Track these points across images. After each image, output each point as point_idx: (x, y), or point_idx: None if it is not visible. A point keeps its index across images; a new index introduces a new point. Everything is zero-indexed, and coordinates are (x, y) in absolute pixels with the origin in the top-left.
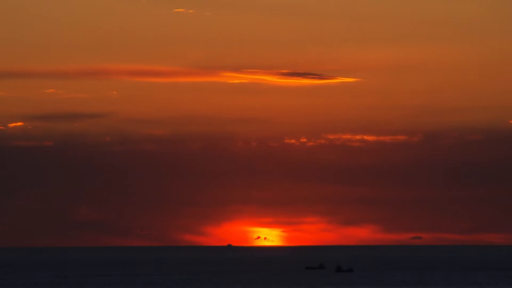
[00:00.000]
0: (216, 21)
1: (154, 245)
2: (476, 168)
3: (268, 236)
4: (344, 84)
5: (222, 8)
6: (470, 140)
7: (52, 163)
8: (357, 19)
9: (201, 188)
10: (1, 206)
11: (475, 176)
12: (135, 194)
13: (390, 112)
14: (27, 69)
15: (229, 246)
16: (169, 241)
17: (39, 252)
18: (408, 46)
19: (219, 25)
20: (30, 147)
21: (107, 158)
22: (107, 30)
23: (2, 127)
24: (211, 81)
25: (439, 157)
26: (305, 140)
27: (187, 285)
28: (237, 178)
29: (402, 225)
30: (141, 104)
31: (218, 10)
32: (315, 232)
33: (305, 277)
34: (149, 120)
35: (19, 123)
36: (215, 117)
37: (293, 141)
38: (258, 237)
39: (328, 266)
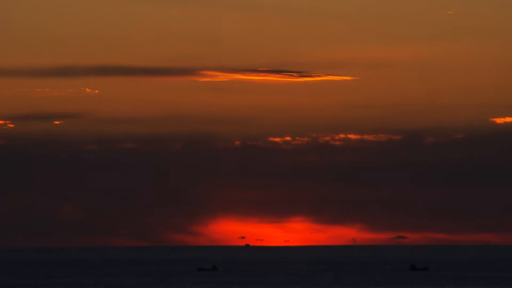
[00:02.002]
0: (197, 19)
1: (146, 245)
2: (458, 166)
3: (253, 236)
4: (328, 82)
5: (204, 5)
6: (452, 139)
7: (27, 164)
8: (342, 17)
9: (184, 188)
10: None
11: (456, 174)
12: (116, 194)
13: (372, 110)
14: None
15: (247, 245)
16: (157, 240)
17: (20, 252)
18: (391, 45)
19: (199, 22)
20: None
21: (85, 158)
22: (83, 26)
23: None
24: (190, 80)
25: (421, 156)
26: (289, 138)
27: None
28: (222, 177)
29: (388, 224)
30: (119, 103)
31: (199, 7)
32: (303, 231)
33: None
34: (129, 120)
35: None
36: (196, 116)
37: (277, 139)
38: (243, 237)
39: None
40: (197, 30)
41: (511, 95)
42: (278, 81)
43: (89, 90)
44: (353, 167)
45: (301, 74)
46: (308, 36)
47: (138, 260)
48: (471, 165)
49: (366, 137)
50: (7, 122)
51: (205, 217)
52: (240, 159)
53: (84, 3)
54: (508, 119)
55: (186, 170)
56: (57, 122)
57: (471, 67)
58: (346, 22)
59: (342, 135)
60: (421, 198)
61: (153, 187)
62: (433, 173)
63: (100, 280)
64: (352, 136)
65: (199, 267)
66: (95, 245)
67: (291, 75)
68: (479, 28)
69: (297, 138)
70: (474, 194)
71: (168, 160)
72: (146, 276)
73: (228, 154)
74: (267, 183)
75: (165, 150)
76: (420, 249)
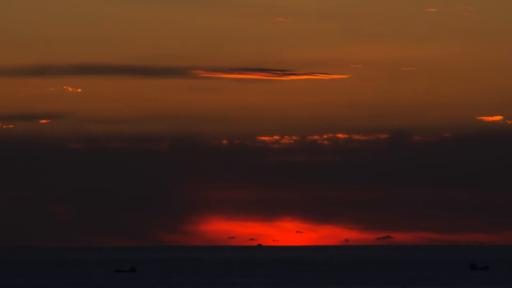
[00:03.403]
0: (183, 18)
1: (140, 245)
2: (445, 165)
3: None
4: (316, 81)
5: (191, 4)
6: (440, 138)
7: (14, 164)
8: (331, 16)
9: (171, 188)
10: None
11: (443, 173)
12: (104, 194)
13: (360, 110)
14: None
15: (259, 245)
16: (149, 240)
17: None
18: (380, 44)
19: (186, 21)
20: None
21: (71, 158)
22: (70, 24)
23: None
24: (176, 79)
25: (408, 155)
26: (277, 137)
27: None
28: (209, 177)
29: (377, 224)
30: (103, 102)
31: (187, 6)
32: (293, 231)
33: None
34: (115, 119)
35: None
36: (182, 116)
37: (265, 138)
38: (230, 237)
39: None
40: (184, 29)
41: (498, 94)
42: (265, 80)
43: (72, 89)
44: (341, 166)
45: (288, 72)
46: (296, 35)
47: (57, 262)
48: (459, 164)
49: (354, 136)
50: None
51: (192, 217)
52: (227, 158)
53: (67, 2)
54: (496, 118)
55: (173, 170)
56: (43, 121)
57: (459, 67)
58: (335, 21)
59: (330, 135)
60: (410, 197)
61: (139, 187)
62: (421, 172)
63: None
64: (340, 135)
65: (117, 268)
66: (81, 246)
67: (279, 73)
68: (466, 29)
69: (285, 137)
70: (461, 193)
71: (155, 160)
72: (61, 277)
73: (215, 153)
74: (255, 182)
75: (152, 150)
76: (416, 249)
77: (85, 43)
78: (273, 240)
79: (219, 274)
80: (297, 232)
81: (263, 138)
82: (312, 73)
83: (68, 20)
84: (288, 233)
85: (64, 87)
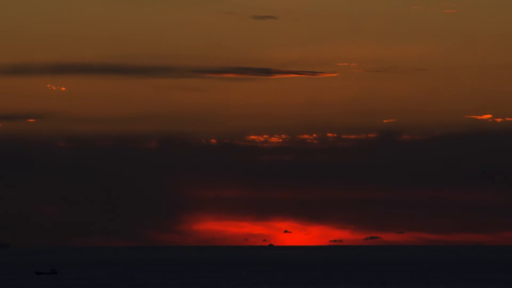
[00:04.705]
0: (169, 17)
1: (134, 246)
2: (434, 164)
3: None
4: (306, 80)
5: (181, 3)
6: (429, 136)
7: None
8: (321, 16)
9: (161, 187)
10: None
11: (432, 171)
12: (93, 194)
13: (348, 109)
14: None
15: (271, 245)
16: (142, 240)
17: None
18: (369, 44)
19: (174, 21)
20: None
21: (57, 157)
22: (50, 22)
23: None
24: (165, 79)
25: (398, 155)
26: (267, 136)
27: None
28: (197, 176)
29: (366, 224)
30: (90, 101)
31: (176, 4)
32: (281, 230)
33: None
34: (101, 118)
35: None
36: (170, 115)
37: (254, 137)
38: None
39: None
40: (172, 29)
41: (487, 93)
42: (254, 79)
43: (55, 87)
44: (330, 165)
45: (277, 71)
46: (285, 34)
47: None
48: (448, 162)
49: (343, 135)
50: None
51: (180, 216)
52: (217, 158)
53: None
54: (484, 116)
55: (159, 169)
56: (31, 121)
57: (448, 66)
58: (323, 21)
59: (319, 134)
60: (399, 196)
61: (126, 186)
62: (410, 171)
63: None
64: (329, 134)
65: (37, 270)
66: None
67: (268, 72)
68: (454, 29)
69: (275, 136)
70: (452, 192)
71: (143, 159)
72: None
73: (204, 153)
74: (245, 182)
75: (140, 149)
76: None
77: (65, 41)
78: (263, 240)
79: (143, 277)
80: (285, 232)
81: (252, 137)
82: (300, 72)
83: (48, 18)
84: (280, 233)
85: (48, 85)
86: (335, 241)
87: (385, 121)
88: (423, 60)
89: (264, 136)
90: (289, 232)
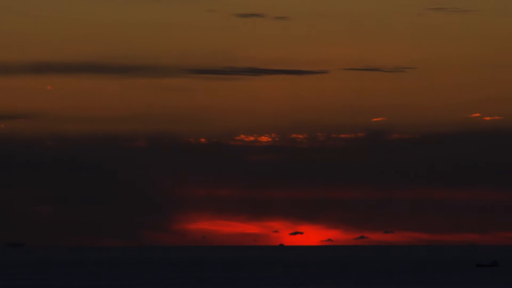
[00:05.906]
0: (161, 16)
1: (130, 245)
2: (432, 165)
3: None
4: (294, 80)
5: (167, 3)
6: (418, 135)
7: None
8: (312, 15)
9: (152, 187)
10: None
11: (422, 172)
12: (81, 194)
13: (337, 109)
14: None
15: (281, 245)
16: (134, 239)
17: None
18: (359, 43)
19: (161, 20)
20: None
21: (44, 157)
22: (28, 21)
23: None
24: (153, 79)
25: (387, 154)
26: (256, 135)
27: None
28: (187, 176)
29: (354, 224)
30: (76, 101)
31: (164, 4)
32: (280, 231)
33: None
34: (90, 118)
35: None
36: (158, 115)
37: (244, 137)
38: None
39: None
40: (160, 28)
41: (476, 92)
42: (243, 78)
43: (39, 87)
44: (320, 166)
45: (265, 70)
46: (274, 33)
47: None
48: (437, 161)
49: (333, 135)
50: None
51: (171, 215)
52: (206, 157)
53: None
54: (474, 115)
55: (148, 168)
56: (21, 121)
57: (437, 66)
58: (311, 20)
59: (309, 134)
60: (389, 196)
61: (116, 186)
62: (399, 170)
63: None
64: (319, 133)
65: None
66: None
67: (256, 72)
68: (444, 29)
69: (265, 135)
70: (441, 191)
71: (133, 158)
72: None
73: (193, 152)
74: (235, 181)
75: (129, 148)
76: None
77: (48, 40)
78: (254, 240)
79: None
80: (274, 232)
81: (241, 136)
82: (289, 71)
83: (31, 17)
84: (271, 232)
85: (32, 85)
86: (326, 240)
87: (374, 119)
88: (412, 58)
89: (254, 135)
90: (277, 231)
